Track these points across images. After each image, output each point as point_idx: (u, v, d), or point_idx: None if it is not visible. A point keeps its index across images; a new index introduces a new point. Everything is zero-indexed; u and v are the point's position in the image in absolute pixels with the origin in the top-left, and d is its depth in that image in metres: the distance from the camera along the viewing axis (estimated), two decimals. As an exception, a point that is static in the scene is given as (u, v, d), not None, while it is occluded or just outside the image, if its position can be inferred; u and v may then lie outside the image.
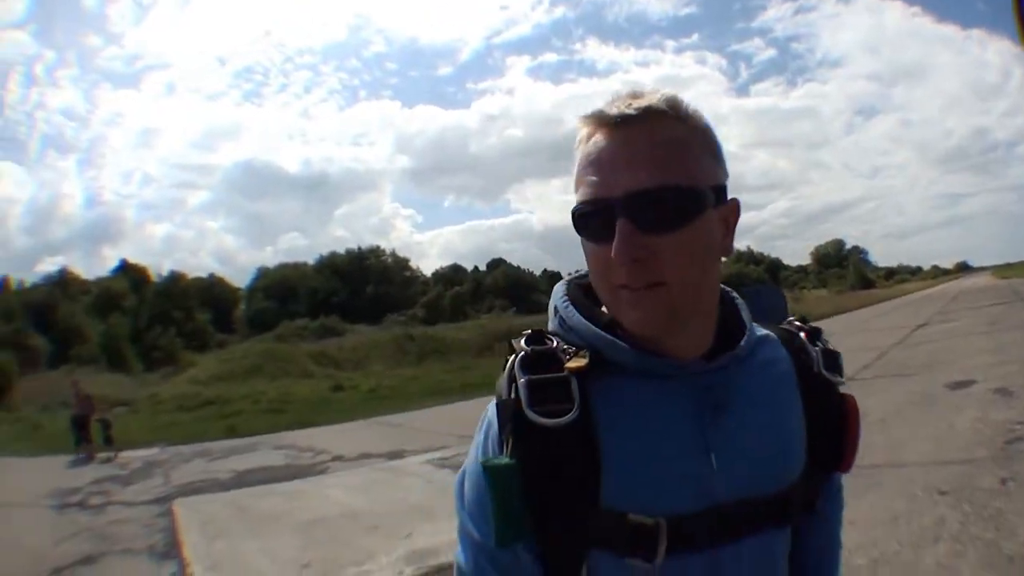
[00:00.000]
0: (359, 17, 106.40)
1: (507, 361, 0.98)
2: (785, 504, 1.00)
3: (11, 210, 73.74)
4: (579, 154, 0.96)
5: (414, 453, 11.00)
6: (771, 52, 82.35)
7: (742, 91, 74.39)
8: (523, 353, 0.96)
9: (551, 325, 1.05)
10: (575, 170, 0.97)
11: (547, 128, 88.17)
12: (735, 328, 1.02)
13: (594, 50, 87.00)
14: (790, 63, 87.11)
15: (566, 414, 0.90)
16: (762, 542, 0.98)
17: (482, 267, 71.93)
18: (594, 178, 0.92)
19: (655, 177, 0.88)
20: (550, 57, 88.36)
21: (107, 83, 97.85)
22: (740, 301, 1.06)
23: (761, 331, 1.06)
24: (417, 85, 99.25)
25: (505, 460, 0.91)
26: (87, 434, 15.10)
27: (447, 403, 18.42)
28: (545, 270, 74.83)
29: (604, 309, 1.00)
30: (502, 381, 0.97)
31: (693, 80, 79.30)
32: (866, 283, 68.23)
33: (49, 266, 63.16)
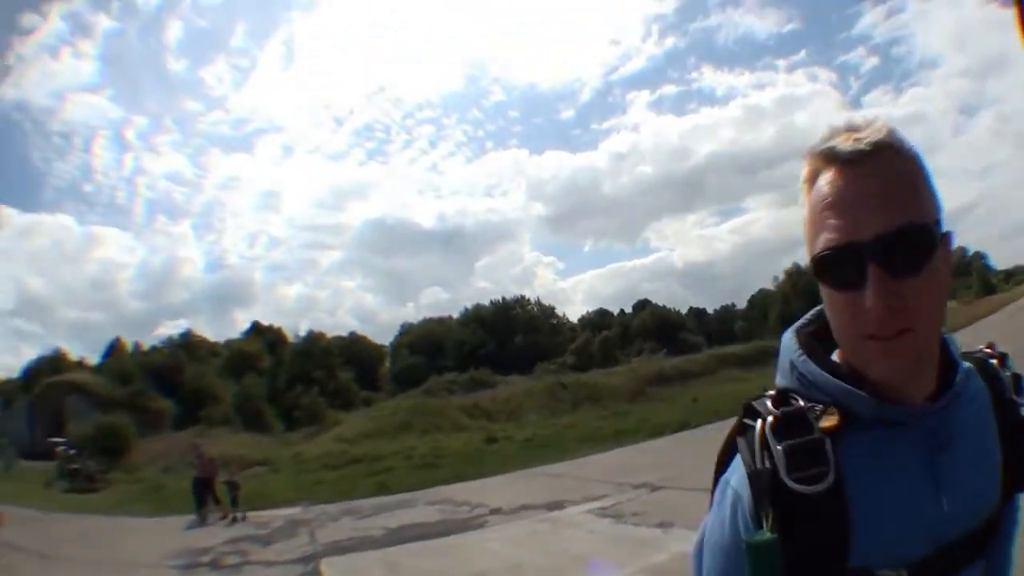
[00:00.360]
0: (473, 67, 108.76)
1: (742, 424, 0.96)
2: (989, 531, 0.99)
3: (120, 275, 76.58)
4: (809, 195, 0.94)
5: (574, 503, 10.63)
6: (875, 60, 78.51)
7: (855, 104, 72.10)
8: (772, 418, 0.92)
9: (785, 380, 1.00)
10: (806, 212, 0.94)
11: (677, 162, 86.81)
12: (947, 363, 0.97)
13: (710, 77, 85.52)
14: (894, 69, 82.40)
15: (822, 478, 0.87)
16: (971, 573, 0.97)
17: (628, 309, 71.04)
18: (836, 221, 0.89)
19: (900, 217, 0.86)
20: (669, 89, 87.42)
21: (215, 148, 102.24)
22: (948, 336, 1.00)
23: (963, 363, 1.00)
24: (542, 131, 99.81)
25: (767, 535, 0.87)
26: (212, 496, 15.27)
27: (604, 451, 18.06)
28: (690, 307, 73.26)
29: (835, 356, 0.98)
30: (748, 448, 0.93)
31: (809, 98, 76.41)
32: (989, 289, 63.77)
33: (170, 329, 65.88)
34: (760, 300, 65.20)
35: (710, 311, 73.20)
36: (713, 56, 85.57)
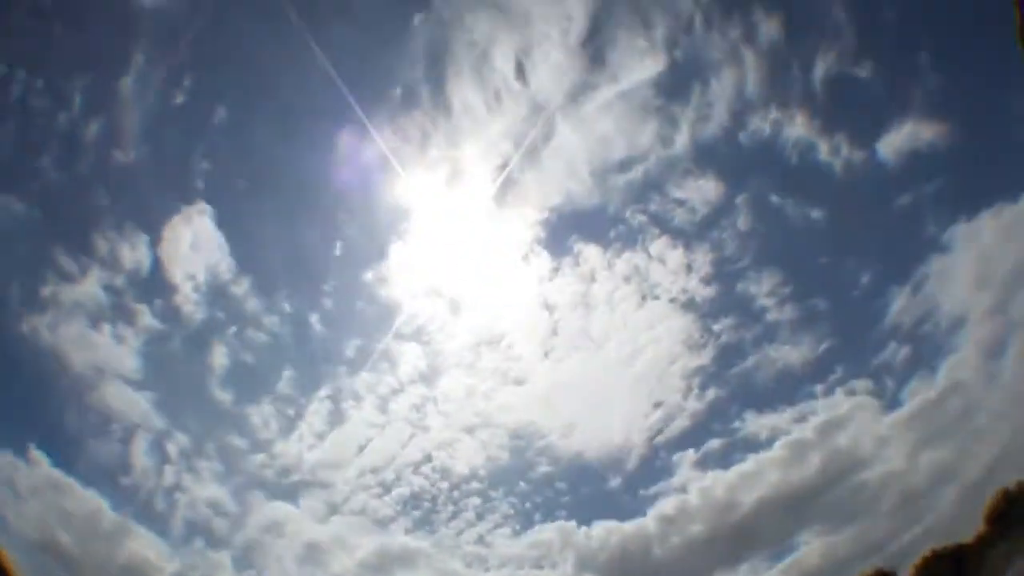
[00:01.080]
0: (519, 439, 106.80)
1: None
2: None
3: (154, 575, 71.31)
4: None
5: None
6: (906, 349, 75.29)
7: (893, 404, 68.40)
8: None
9: None
10: None
11: (726, 515, 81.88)
12: None
13: (753, 423, 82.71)
14: (925, 350, 78.35)
15: None
16: None
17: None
18: None
19: None
20: (714, 444, 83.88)
21: (258, 489, 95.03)
22: None
23: None
24: (590, 501, 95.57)
25: None
26: None
27: None
28: None
29: None
30: None
31: (849, 415, 73.77)
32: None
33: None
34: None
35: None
36: (754, 400, 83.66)
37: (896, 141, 69.24)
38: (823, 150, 68.35)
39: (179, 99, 73.71)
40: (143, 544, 74.16)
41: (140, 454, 75.64)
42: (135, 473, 74.60)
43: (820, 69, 60.68)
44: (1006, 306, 66.36)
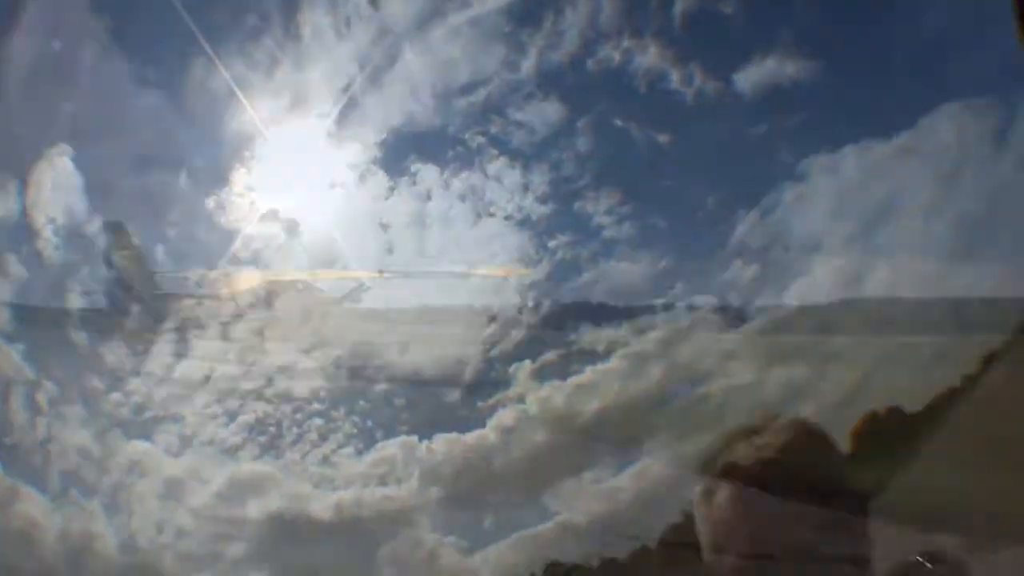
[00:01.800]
0: (356, 358, 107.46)
1: None
2: None
3: (42, 536, 69.09)
4: None
5: None
6: (755, 268, 78.52)
7: (739, 319, 72.40)
8: None
9: None
10: None
11: (566, 425, 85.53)
12: None
13: (590, 335, 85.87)
14: (772, 271, 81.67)
15: None
16: None
17: (539, 572, 66.33)
18: None
19: None
20: (550, 356, 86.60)
21: (117, 429, 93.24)
22: None
23: None
24: (429, 416, 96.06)
25: None
26: None
27: None
28: (602, 560, 69.01)
29: None
30: None
31: (691, 329, 77.92)
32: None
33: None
34: (673, 531, 62.38)
35: (621, 558, 69.30)
36: (591, 313, 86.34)
37: (756, 75, 72.50)
38: (674, 79, 71.21)
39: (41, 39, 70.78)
40: (30, 505, 71.69)
41: (18, 410, 72.50)
42: (16, 432, 71.63)
43: (680, 2, 62.91)
44: (866, 238, 70.03)
